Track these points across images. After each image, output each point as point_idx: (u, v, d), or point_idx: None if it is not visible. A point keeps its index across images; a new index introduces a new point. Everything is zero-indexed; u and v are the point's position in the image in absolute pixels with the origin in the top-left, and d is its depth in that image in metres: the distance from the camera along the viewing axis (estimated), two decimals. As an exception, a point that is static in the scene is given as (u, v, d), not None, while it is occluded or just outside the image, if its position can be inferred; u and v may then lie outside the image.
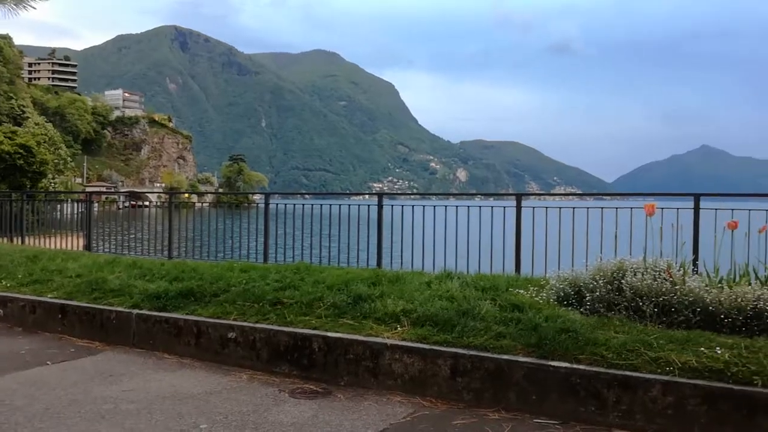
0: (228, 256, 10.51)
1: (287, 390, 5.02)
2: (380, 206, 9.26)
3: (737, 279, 5.68)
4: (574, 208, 8.42)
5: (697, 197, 7.62)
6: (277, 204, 10.79)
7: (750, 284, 5.34)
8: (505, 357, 4.66)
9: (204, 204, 13.75)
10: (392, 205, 9.87)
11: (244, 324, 5.74)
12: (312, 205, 10.26)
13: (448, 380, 4.77)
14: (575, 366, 4.46)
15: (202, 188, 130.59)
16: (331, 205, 9.89)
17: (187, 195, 37.80)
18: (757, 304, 4.96)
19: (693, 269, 6.30)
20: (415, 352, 4.93)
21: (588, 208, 8.20)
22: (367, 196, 9.97)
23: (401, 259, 9.00)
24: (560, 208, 8.50)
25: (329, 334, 5.35)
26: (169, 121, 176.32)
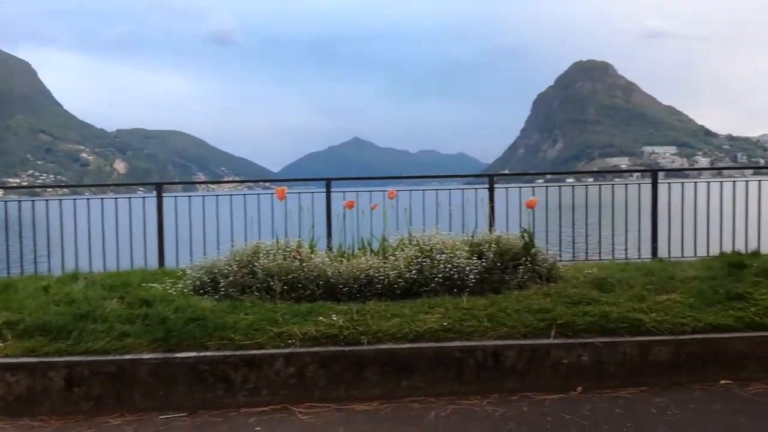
0: None
1: None
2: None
3: (356, 252, 6.36)
4: (217, 196, 8.41)
5: (328, 182, 8.32)
6: None
7: (365, 255, 6.02)
8: (128, 357, 4.33)
9: None
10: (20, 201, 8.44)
11: None
12: None
13: (62, 392, 4.23)
14: (202, 354, 4.39)
15: None
16: None
17: None
18: (369, 273, 5.62)
19: (328, 246, 6.86)
20: (21, 368, 4.24)
21: (230, 195, 8.28)
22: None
23: (21, 264, 7.74)
24: (203, 196, 8.39)
25: None
26: None
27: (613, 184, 9.58)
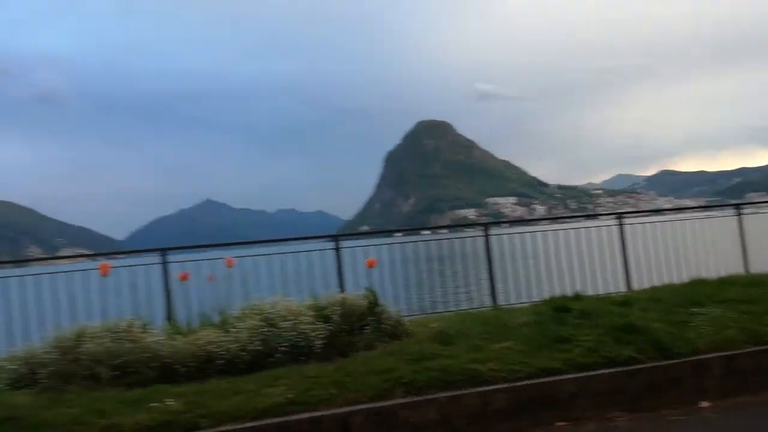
0: None
1: None
2: None
3: (196, 327, 6.01)
4: (52, 273, 7.55)
5: (163, 251, 7.84)
6: None
7: (204, 329, 5.71)
8: None
9: None
10: None
11: None
12: None
13: None
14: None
15: None
16: None
17: None
18: (208, 348, 5.33)
19: (169, 323, 6.43)
20: None
21: (49, 273, 7.49)
22: None
23: None
24: (36, 274, 7.55)
25: None
26: None
27: (462, 237, 9.94)
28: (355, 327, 5.84)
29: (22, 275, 7.55)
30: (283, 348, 5.38)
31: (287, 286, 7.10)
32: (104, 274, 6.05)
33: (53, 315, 6.96)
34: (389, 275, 8.59)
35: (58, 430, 4.14)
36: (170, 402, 4.47)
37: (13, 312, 7.22)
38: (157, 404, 4.44)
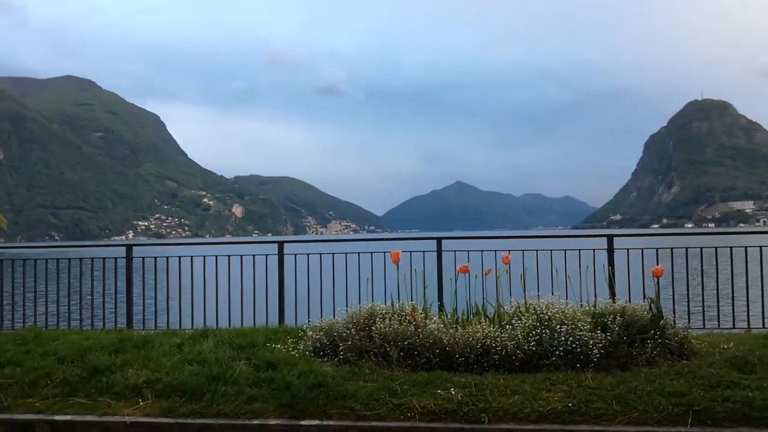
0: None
1: (-1, 494, 4.23)
2: (129, 259, 8.47)
3: (470, 318, 6.27)
4: (333, 254, 8.57)
5: (439, 241, 8.29)
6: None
7: (480, 323, 5.92)
8: (256, 422, 4.51)
9: None
10: (142, 257, 9.08)
11: (-57, 418, 4.74)
12: (45, 260, 8.90)
13: (196, 455, 4.45)
14: (326, 423, 4.49)
15: None
16: (70, 259, 8.73)
17: None
18: (485, 342, 5.52)
19: (439, 311, 6.82)
20: (159, 428, 4.53)
21: (346, 253, 8.43)
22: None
23: (155, 317, 8.29)
24: (320, 254, 8.65)
25: (56, 417, 4.68)
26: None
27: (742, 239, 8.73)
28: (636, 339, 5.52)
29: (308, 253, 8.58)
30: (558, 352, 5.32)
31: (556, 285, 6.96)
32: (395, 262, 6.58)
33: (344, 290, 7.87)
34: (664, 280, 7.88)
35: (358, 403, 4.67)
36: (453, 391, 4.75)
37: (312, 284, 8.30)
38: (441, 392, 4.75)
